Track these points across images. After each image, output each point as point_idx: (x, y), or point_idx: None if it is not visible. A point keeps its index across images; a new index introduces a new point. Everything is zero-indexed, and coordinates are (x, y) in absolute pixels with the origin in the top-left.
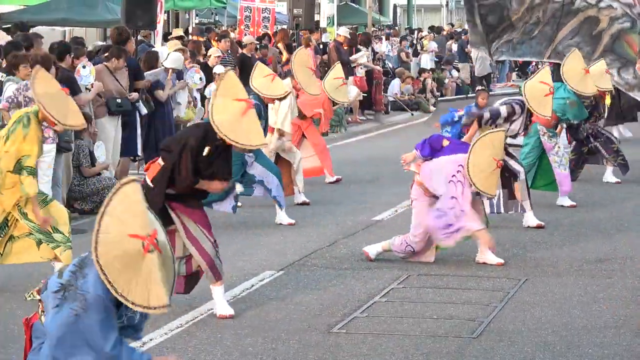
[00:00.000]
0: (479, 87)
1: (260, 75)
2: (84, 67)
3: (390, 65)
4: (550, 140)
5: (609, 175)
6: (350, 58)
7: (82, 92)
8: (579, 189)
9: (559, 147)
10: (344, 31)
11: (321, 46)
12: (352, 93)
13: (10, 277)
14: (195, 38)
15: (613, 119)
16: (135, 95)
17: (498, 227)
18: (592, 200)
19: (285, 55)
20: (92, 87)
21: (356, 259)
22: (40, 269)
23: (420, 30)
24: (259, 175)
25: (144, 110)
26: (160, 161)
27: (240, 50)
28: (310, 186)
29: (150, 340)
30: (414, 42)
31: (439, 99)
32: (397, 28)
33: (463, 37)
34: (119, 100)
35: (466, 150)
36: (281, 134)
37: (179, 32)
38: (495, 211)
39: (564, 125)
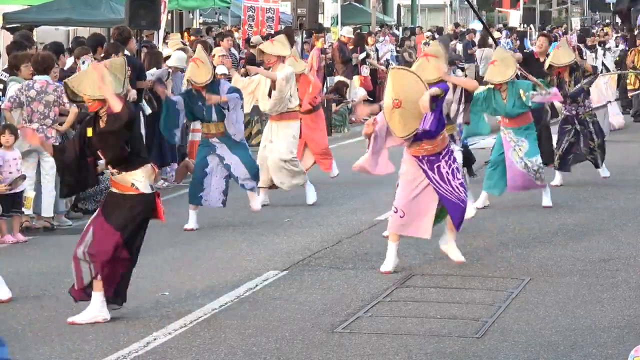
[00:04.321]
0: None
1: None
2: (83, 62)
3: (394, 65)
4: (510, 139)
5: (603, 170)
6: (353, 56)
7: None
8: (581, 189)
9: (520, 147)
10: (347, 31)
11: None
12: (358, 94)
13: (12, 278)
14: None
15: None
16: (133, 92)
17: (501, 227)
18: (594, 200)
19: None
20: None
21: (360, 258)
22: (42, 269)
23: (420, 29)
24: (232, 164)
25: (148, 110)
26: None
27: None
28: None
29: (154, 340)
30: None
31: None
32: (399, 28)
33: (467, 37)
34: None
35: None
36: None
37: (175, 35)
38: None
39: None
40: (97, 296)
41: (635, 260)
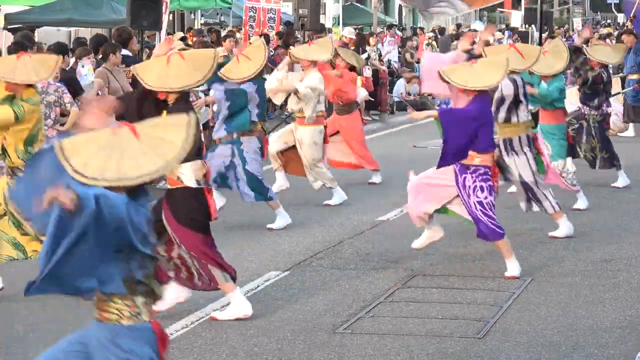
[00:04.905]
0: None
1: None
2: (82, 66)
3: (396, 66)
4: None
5: (622, 179)
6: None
7: (84, 92)
8: (582, 189)
9: (545, 145)
10: (348, 32)
11: None
12: (360, 94)
13: (14, 279)
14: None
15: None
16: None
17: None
18: (596, 200)
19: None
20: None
21: (361, 259)
22: None
23: (422, 29)
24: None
25: None
26: None
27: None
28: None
29: None
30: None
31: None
32: (401, 29)
33: None
34: None
35: None
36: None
37: (179, 35)
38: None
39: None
40: (234, 294)
41: (637, 261)
